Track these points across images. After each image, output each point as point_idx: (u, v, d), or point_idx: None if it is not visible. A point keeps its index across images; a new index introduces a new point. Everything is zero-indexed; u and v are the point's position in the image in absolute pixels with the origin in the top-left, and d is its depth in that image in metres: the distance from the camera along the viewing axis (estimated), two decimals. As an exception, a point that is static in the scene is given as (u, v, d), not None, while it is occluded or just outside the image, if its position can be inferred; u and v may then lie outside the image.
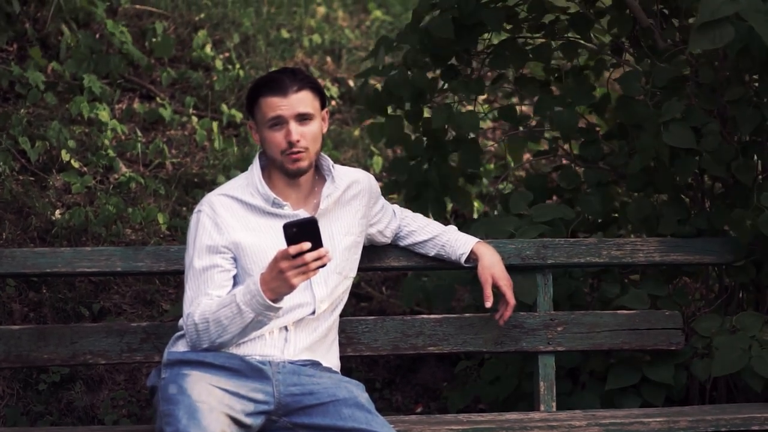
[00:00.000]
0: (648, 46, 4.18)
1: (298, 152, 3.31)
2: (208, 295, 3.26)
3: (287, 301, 3.19)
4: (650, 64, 4.10)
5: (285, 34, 6.40)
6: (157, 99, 5.64)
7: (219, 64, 5.88)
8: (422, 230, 3.68)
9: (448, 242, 3.66)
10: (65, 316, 4.50)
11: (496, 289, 3.57)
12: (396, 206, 3.69)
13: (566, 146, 4.50)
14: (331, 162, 3.44)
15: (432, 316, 3.80)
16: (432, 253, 3.69)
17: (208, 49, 5.95)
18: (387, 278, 5.11)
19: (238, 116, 5.67)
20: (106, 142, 5.19)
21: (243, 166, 5.19)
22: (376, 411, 3.24)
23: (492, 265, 3.58)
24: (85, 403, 4.35)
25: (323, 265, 3.06)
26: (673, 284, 4.23)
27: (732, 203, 4.07)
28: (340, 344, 3.55)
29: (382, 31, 6.74)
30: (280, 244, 3.07)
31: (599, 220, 4.39)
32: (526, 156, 5.45)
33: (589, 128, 4.47)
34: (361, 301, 4.97)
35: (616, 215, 4.42)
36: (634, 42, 4.31)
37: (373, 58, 4.45)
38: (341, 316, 3.49)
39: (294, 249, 3.03)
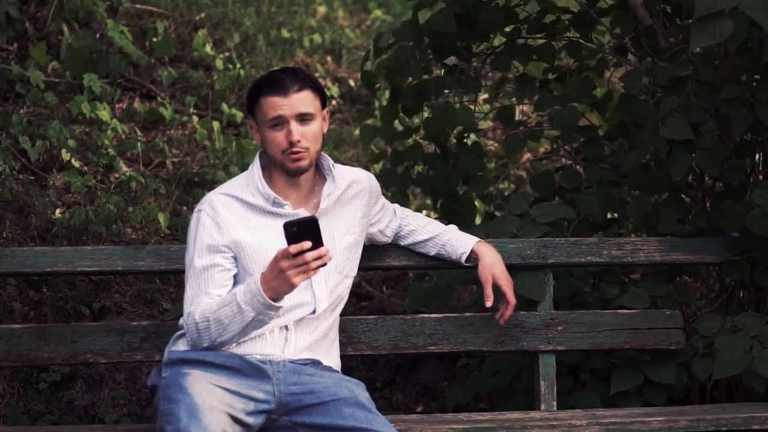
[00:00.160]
0: (650, 46, 4.18)
1: (299, 152, 3.31)
2: (209, 294, 3.26)
3: (288, 301, 3.19)
4: (651, 63, 4.10)
5: (285, 33, 6.40)
6: (158, 98, 5.64)
7: (219, 63, 5.88)
8: (423, 229, 3.68)
9: (448, 241, 3.66)
10: (66, 316, 4.50)
11: (497, 289, 3.57)
12: (396, 205, 3.69)
13: (567, 146, 4.50)
14: (331, 161, 3.44)
15: (432, 315, 3.80)
16: (432, 253, 3.69)
17: (208, 48, 5.95)
18: (387, 278, 5.11)
19: (239, 116, 5.67)
20: (107, 141, 5.19)
21: (243, 165, 5.20)
22: (377, 410, 3.24)
23: (492, 264, 3.58)
24: (86, 402, 4.35)
25: (324, 265, 3.06)
26: (674, 283, 4.23)
27: (732, 203, 4.06)
28: (341, 343, 3.55)
29: (382, 30, 6.74)
30: (280, 243, 3.07)
31: (600, 221, 4.38)
32: (527, 156, 5.46)
33: (590, 128, 4.47)
34: (361, 300, 4.97)
35: (616, 215, 4.42)
36: (636, 41, 4.31)
37: (372, 59, 4.45)
38: (342, 315, 3.49)
39: (294, 248, 3.03)
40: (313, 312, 3.34)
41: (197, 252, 3.30)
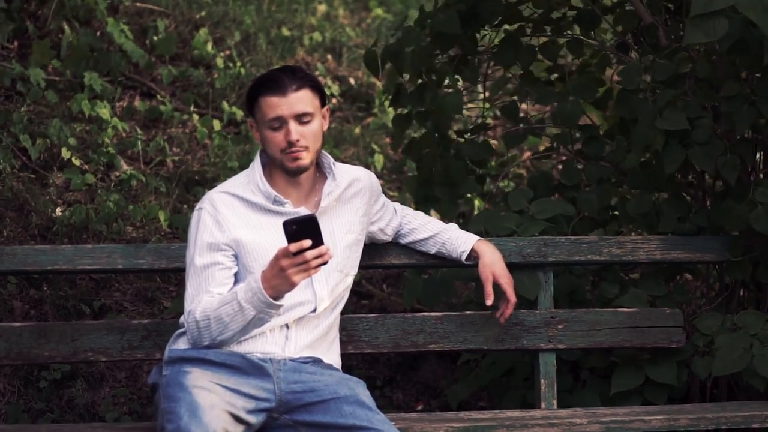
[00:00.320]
0: (651, 44, 4.18)
1: (298, 151, 3.31)
2: (209, 292, 3.26)
3: (288, 299, 3.20)
4: (651, 60, 4.10)
5: (286, 32, 6.40)
6: (158, 97, 5.64)
7: (220, 61, 5.88)
8: (423, 228, 3.68)
9: (448, 240, 3.66)
10: (66, 314, 4.50)
11: (497, 287, 3.57)
12: (397, 204, 3.69)
13: (567, 145, 4.50)
14: (331, 160, 3.44)
15: (433, 313, 3.80)
16: (433, 251, 3.69)
17: (209, 46, 5.95)
18: (388, 276, 5.11)
19: (239, 114, 5.67)
20: (107, 139, 5.19)
21: (244, 163, 5.20)
22: (377, 408, 3.24)
23: (493, 262, 3.58)
24: (86, 400, 4.35)
25: (324, 263, 3.06)
26: (674, 282, 4.23)
27: (733, 201, 4.06)
28: (341, 342, 3.55)
29: (382, 29, 6.74)
30: (281, 241, 3.07)
31: (599, 216, 4.38)
32: (527, 154, 5.46)
33: (590, 126, 4.47)
34: (362, 298, 4.97)
35: (616, 213, 4.42)
36: (638, 39, 4.31)
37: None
38: (342, 313, 3.49)
39: (294, 246, 3.03)
40: (314, 310, 3.34)
41: (198, 250, 3.30)
